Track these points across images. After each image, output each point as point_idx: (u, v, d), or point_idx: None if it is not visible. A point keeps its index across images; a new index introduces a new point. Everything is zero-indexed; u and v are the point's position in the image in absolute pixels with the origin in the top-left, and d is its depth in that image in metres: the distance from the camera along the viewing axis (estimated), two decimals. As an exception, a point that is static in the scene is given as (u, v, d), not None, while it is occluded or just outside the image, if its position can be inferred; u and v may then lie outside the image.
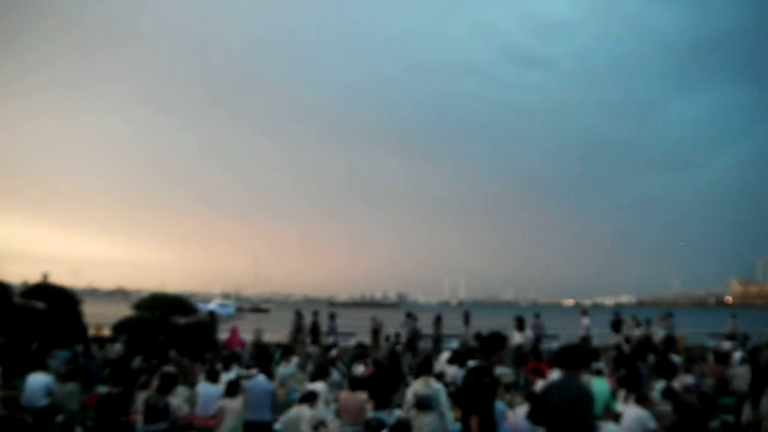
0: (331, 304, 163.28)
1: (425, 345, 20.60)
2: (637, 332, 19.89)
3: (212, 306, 49.57)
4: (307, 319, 20.94)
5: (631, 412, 7.46)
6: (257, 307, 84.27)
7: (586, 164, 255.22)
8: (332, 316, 20.47)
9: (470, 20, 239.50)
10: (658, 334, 19.32)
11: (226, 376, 10.36)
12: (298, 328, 20.66)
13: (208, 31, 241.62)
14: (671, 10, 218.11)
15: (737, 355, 13.12)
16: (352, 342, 20.22)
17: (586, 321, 21.04)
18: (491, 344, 5.98)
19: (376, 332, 21.09)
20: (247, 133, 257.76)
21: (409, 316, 20.49)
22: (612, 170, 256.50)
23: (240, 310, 70.78)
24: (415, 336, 19.97)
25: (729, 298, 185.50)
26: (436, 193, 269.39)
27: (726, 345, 17.58)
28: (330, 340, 19.35)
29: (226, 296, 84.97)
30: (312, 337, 20.10)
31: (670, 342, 18.25)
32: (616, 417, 7.80)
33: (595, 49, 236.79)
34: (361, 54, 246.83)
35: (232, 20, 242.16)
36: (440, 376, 10.11)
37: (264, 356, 13.57)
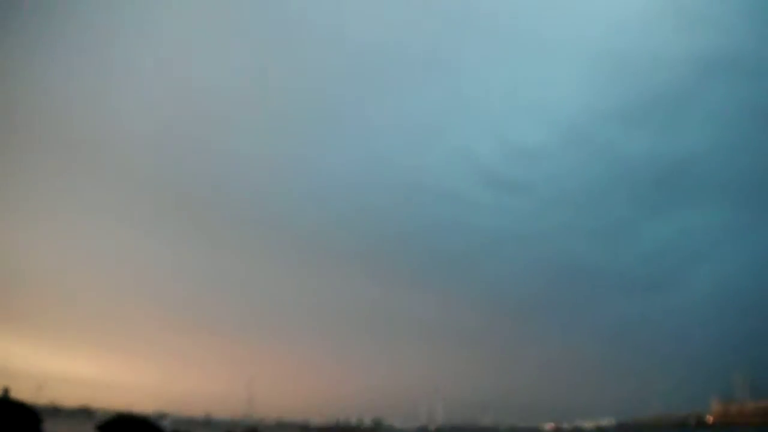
0: (305, 429, 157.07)
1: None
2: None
3: None
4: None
5: None
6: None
7: (563, 288, 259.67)
8: None
9: (448, 146, 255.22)
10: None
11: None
12: None
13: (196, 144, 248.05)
14: (639, 137, 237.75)
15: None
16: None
17: None
18: None
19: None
20: (223, 254, 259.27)
21: None
22: (589, 293, 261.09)
23: None
24: None
25: (710, 418, 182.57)
26: (411, 318, 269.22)
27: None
28: None
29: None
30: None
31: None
32: None
33: (570, 176, 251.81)
34: (343, 178, 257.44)
35: (229, 140, 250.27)
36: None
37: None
